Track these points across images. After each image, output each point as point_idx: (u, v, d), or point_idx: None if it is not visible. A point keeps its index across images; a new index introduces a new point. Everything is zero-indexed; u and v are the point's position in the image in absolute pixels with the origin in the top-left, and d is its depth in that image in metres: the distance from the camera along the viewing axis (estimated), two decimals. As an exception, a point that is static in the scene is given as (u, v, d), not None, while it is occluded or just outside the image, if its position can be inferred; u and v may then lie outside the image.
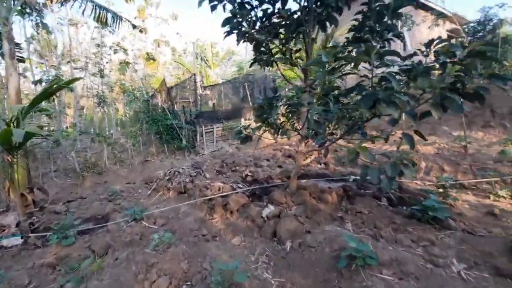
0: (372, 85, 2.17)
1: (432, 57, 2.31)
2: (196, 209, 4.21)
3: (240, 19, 2.81)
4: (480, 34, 11.85)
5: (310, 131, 3.33)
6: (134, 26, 9.02)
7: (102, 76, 12.29)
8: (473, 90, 2.16)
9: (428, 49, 2.27)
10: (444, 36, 17.60)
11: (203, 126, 9.92)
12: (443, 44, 2.00)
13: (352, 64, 2.40)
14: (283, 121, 3.24)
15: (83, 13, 7.30)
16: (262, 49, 3.07)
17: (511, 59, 9.36)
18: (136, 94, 11.87)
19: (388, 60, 2.03)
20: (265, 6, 2.98)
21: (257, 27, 2.98)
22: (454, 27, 15.97)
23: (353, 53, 3.15)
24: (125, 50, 15.67)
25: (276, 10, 2.95)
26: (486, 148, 5.90)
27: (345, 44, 3.00)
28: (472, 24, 14.25)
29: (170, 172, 6.35)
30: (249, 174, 5.70)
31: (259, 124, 3.18)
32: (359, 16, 3.12)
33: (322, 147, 3.61)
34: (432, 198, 2.97)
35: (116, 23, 7.87)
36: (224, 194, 4.44)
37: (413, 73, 2.22)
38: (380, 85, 2.28)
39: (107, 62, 17.05)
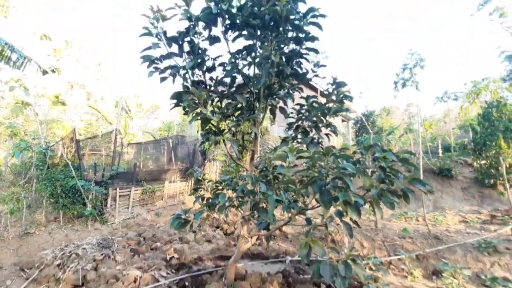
0: (326, 183, 2.24)
1: (368, 158, 2.67)
2: (100, 318, 3.15)
3: (195, 98, 2.68)
4: (363, 123, 15.66)
5: (254, 214, 3.16)
6: (45, 72, 7.81)
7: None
8: (402, 191, 2.50)
9: (366, 152, 2.60)
10: (340, 119, 22.21)
11: (117, 188, 8.50)
12: (383, 152, 2.29)
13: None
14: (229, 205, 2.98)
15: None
16: (213, 128, 2.95)
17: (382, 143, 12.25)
18: (29, 142, 9.58)
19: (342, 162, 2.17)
20: (219, 87, 2.99)
21: (209, 107, 2.89)
22: (345, 114, 20.93)
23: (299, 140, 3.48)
24: (26, 89, 13.27)
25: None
26: (389, 223, 6.87)
27: (291, 133, 3.23)
28: (359, 115, 18.61)
29: (63, 253, 4.85)
30: (174, 255, 4.86)
31: (202, 208, 2.82)
32: (298, 107, 3.51)
33: (266, 231, 3.44)
34: (370, 288, 3.02)
35: (22, 65, 6.67)
36: (143, 289, 3.53)
37: (358, 172, 2.46)
38: (332, 181, 2.39)
39: (-5, 99, 13.95)
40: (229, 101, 3.12)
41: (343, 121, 23.99)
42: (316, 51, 2.78)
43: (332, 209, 2.50)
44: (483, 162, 8.32)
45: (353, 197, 2.18)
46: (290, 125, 3.59)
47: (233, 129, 2.99)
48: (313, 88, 13.85)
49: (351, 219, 2.86)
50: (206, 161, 12.16)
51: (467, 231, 5.79)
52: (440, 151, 14.49)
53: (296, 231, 6.37)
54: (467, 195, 8.67)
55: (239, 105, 3.06)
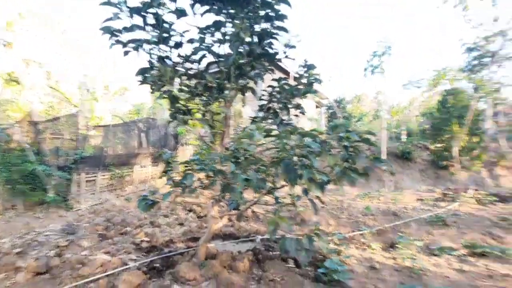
0: (293, 162, 2.31)
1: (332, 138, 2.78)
2: (64, 302, 3.06)
3: (160, 73, 2.57)
4: (335, 109, 16.25)
5: (225, 195, 3.19)
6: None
7: None
8: (363, 170, 2.66)
9: (331, 132, 2.71)
10: (314, 105, 22.78)
11: (82, 174, 8.07)
12: (347, 132, 2.40)
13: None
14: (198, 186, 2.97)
15: None
16: (181, 107, 2.87)
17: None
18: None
19: (307, 140, 2.24)
20: (187, 65, 2.89)
21: (176, 84, 2.80)
22: (318, 100, 21.52)
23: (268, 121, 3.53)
24: (-30, 65, 11.88)
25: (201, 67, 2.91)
26: (354, 202, 7.32)
27: (261, 113, 3.24)
28: (331, 101, 19.28)
29: (24, 241, 4.59)
30: (145, 238, 4.79)
31: (171, 189, 2.78)
32: (269, 89, 3.54)
33: (236, 211, 3.51)
34: (332, 260, 3.25)
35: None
36: (110, 272, 3.46)
37: (324, 150, 2.57)
38: (300, 160, 2.46)
39: None
40: (199, 80, 3.05)
41: (317, 107, 24.55)
42: (285, 29, 2.76)
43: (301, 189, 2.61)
44: (439, 145, 9.13)
45: (317, 175, 2.29)
46: (261, 107, 3.60)
47: (202, 108, 2.93)
48: (285, 72, 13.88)
49: (318, 198, 3.01)
50: (178, 145, 11.89)
51: (422, 208, 6.37)
52: (404, 136, 15.50)
53: (268, 210, 6.56)
54: (424, 176, 9.47)
55: (209, 84, 2.99)
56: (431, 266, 3.69)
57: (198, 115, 3.06)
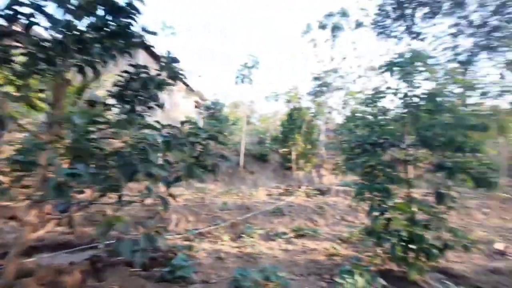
0: (131, 154, 2.14)
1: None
2: None
3: None
4: (213, 110, 17.08)
5: (49, 194, 2.57)
6: None
7: None
8: (211, 166, 2.83)
9: (182, 126, 2.74)
10: (193, 104, 22.79)
11: None
12: (193, 126, 2.47)
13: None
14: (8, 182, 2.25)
15: None
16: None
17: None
18: None
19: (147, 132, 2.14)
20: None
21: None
22: (198, 100, 21.86)
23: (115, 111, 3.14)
24: None
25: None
26: (216, 198, 7.78)
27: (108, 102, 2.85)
28: (209, 103, 20.04)
29: None
30: None
31: None
32: (126, 75, 3.18)
33: (67, 214, 2.90)
34: (180, 257, 3.27)
35: None
36: None
37: (170, 145, 2.54)
38: (140, 154, 2.31)
39: None
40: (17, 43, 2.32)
41: (196, 107, 24.51)
42: (137, 10, 2.55)
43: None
44: (285, 150, 11.43)
45: (158, 170, 2.21)
46: (113, 93, 3.17)
47: (17, 81, 2.25)
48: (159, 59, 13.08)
49: (170, 194, 2.94)
50: (3, 132, 8.71)
51: (269, 201, 7.58)
52: (268, 142, 18.04)
53: (124, 213, 5.88)
54: (275, 175, 11.44)
55: (32, 52, 2.33)
56: (266, 250, 4.39)
57: (12, 88, 2.33)
